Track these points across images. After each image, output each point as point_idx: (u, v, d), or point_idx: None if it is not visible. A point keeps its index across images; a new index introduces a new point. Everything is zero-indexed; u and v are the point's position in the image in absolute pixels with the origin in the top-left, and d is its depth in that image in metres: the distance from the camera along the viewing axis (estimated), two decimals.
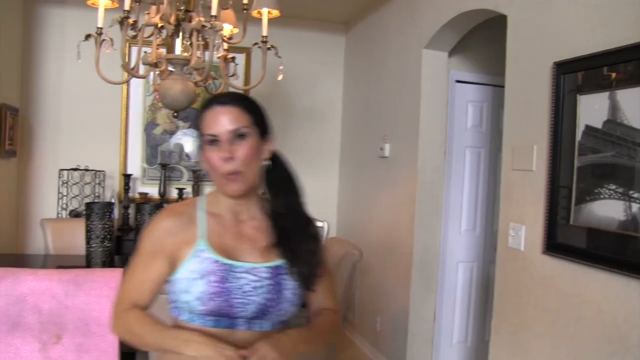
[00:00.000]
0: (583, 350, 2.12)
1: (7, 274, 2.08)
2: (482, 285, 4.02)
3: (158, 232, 1.41)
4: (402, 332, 3.85)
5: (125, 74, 2.92)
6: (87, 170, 4.57)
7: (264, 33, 2.94)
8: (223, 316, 1.33)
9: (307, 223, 1.49)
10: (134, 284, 1.42)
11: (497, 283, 2.73)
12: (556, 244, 2.28)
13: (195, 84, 2.83)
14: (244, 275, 1.34)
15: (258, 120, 1.41)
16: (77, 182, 4.57)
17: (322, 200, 5.29)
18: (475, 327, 4.03)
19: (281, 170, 1.49)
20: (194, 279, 1.33)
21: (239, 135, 1.35)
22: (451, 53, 3.78)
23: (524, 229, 2.50)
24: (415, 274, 3.75)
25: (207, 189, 4.74)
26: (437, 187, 3.77)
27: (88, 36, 2.83)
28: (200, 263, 1.34)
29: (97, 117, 4.75)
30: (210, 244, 1.37)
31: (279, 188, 1.48)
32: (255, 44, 2.96)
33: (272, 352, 1.24)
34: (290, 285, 1.38)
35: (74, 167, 4.55)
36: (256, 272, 1.35)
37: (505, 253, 2.65)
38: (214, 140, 1.35)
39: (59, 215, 4.54)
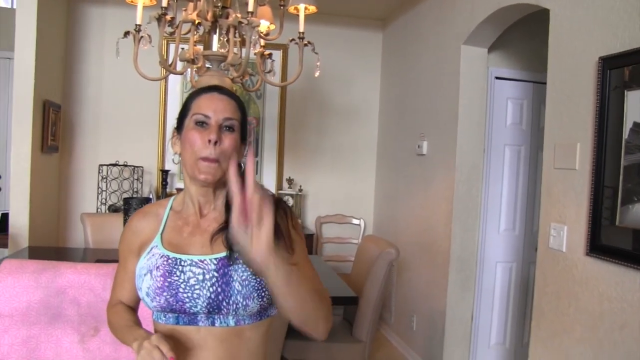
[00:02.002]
0: (628, 359, 2.04)
1: (48, 266, 2.12)
2: (521, 286, 3.93)
3: (127, 233, 1.46)
4: (439, 332, 3.80)
5: (163, 71, 2.94)
6: (125, 165, 4.64)
7: (301, 29, 2.92)
8: (176, 312, 1.31)
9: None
10: (117, 283, 1.50)
11: (537, 284, 2.66)
12: (600, 245, 2.21)
13: (232, 80, 2.83)
14: (190, 268, 1.30)
15: (243, 123, 1.38)
16: (116, 178, 4.65)
17: (358, 198, 5.28)
18: (513, 329, 3.94)
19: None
20: (143, 274, 1.33)
21: (228, 127, 1.33)
22: (490, 49, 3.70)
23: (566, 230, 2.42)
24: (453, 273, 3.69)
25: None
26: (475, 186, 3.71)
27: (127, 33, 2.88)
28: (149, 259, 1.35)
29: (135, 114, 4.83)
30: (163, 240, 1.37)
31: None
32: (292, 40, 2.95)
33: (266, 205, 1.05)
34: (238, 277, 1.28)
35: (113, 162, 4.63)
36: (204, 264, 1.31)
37: (545, 254, 2.58)
38: (203, 123, 1.32)
39: (99, 210, 4.63)
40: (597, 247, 2.22)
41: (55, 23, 4.43)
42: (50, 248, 4.28)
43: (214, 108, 1.32)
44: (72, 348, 2.09)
